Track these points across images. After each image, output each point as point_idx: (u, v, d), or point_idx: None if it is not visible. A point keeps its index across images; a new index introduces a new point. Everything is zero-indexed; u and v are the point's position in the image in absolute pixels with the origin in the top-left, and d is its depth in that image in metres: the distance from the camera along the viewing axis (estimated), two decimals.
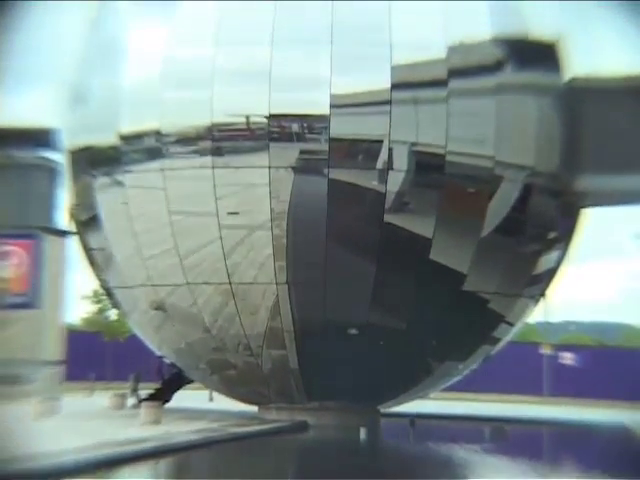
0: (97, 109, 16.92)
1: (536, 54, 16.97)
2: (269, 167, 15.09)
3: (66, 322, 26.51)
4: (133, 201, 16.40)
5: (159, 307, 16.98)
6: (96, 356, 31.51)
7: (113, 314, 33.31)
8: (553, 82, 17.02)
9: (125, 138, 16.22)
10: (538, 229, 17.24)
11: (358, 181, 15.37)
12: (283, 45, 15.06)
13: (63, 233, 22.75)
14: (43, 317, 22.93)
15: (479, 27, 15.85)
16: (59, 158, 20.23)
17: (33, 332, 22.31)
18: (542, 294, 18.95)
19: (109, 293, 19.75)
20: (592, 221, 19.61)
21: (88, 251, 18.62)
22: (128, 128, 16.19)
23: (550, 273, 18.45)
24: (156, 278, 16.67)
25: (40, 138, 21.90)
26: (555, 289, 19.65)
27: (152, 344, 18.96)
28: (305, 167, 15.37)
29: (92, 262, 18.69)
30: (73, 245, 21.00)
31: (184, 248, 16.02)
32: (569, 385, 32.55)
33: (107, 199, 16.98)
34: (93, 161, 17.14)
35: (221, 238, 15.55)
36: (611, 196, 19.03)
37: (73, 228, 20.24)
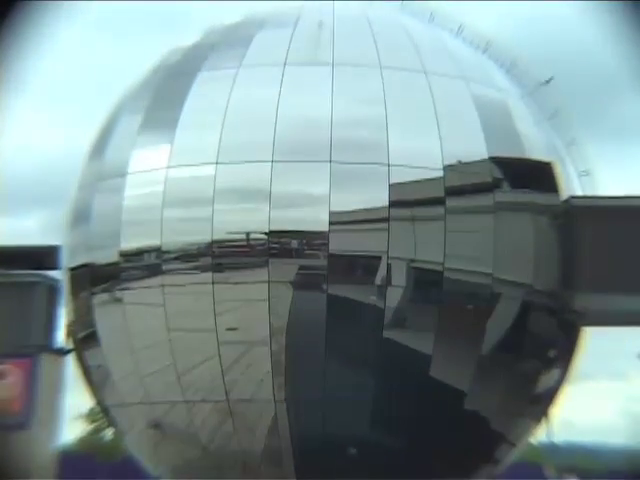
0: (98, 228, 17.10)
1: (532, 174, 17.32)
2: (268, 282, 15.16)
3: (60, 443, 26.06)
4: (132, 318, 16.39)
5: (156, 426, 16.76)
6: (90, 478, 30.88)
7: (109, 434, 32.80)
8: (550, 201, 17.31)
9: (125, 255, 16.35)
10: (538, 347, 17.15)
11: (357, 297, 15.41)
12: (283, 163, 15.35)
13: (60, 351, 22.60)
14: (36, 438, 22.54)
15: (475, 147, 16.18)
16: (58, 276, 20.35)
17: (26, 453, 21.89)
18: (544, 414, 18.73)
19: (105, 412, 19.46)
20: (593, 340, 19.57)
21: (85, 369, 18.50)
22: (128, 245, 16.34)
23: (551, 392, 18.25)
24: (154, 396, 16.46)
25: (40, 257, 22.07)
26: (557, 409, 19.46)
27: (148, 463, 18.60)
28: (304, 282, 15.43)
29: (89, 380, 18.53)
30: (70, 363, 20.88)
31: (182, 365, 15.87)
32: None
33: (106, 316, 16.93)
34: (93, 278, 17.18)
35: (220, 355, 15.49)
36: (612, 316, 19.01)
37: (70, 346, 20.16)
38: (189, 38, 18.25)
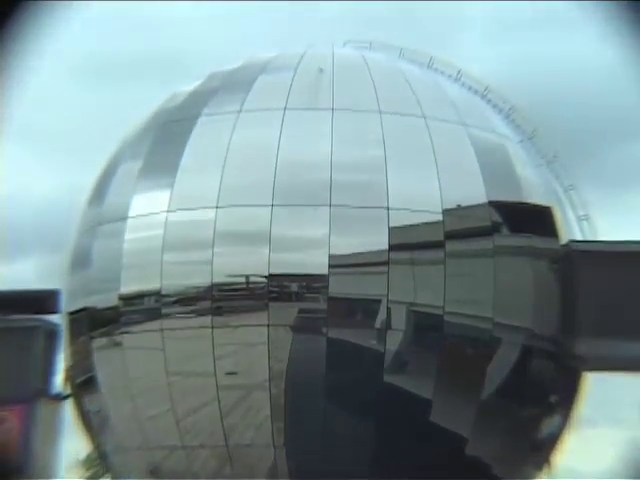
0: (98, 272, 17.11)
1: (532, 218, 17.38)
2: (268, 326, 15.14)
3: None
4: (131, 362, 16.33)
5: (154, 471, 16.60)
6: None
7: None
8: (549, 245, 17.32)
9: (125, 299, 16.34)
10: (539, 393, 17.04)
11: (357, 340, 15.38)
12: (283, 206, 15.41)
13: (58, 396, 22.44)
14: None
15: (474, 191, 16.23)
16: (58, 320, 20.29)
17: None
18: (546, 460, 18.54)
19: (103, 457, 19.31)
20: (595, 386, 19.42)
21: (83, 414, 18.39)
22: (128, 289, 16.33)
23: (553, 438, 18.11)
24: (152, 441, 16.34)
25: (39, 301, 22.01)
26: (559, 455, 19.26)
27: None
28: (304, 326, 15.44)
29: (87, 425, 18.40)
30: (68, 408, 20.73)
31: (181, 409, 15.76)
32: None
33: (105, 360, 16.88)
34: (92, 322, 17.15)
35: (219, 399, 15.38)
36: (613, 362, 18.90)
37: (68, 391, 20.04)
38: (190, 83, 18.41)
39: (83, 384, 18.00)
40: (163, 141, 17.23)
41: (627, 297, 17.09)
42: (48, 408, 22.91)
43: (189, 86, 18.24)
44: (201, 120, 16.80)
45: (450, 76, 19.71)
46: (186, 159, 16.32)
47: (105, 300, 16.78)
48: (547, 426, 17.63)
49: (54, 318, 21.53)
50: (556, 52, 42.10)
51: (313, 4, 42.13)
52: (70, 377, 19.30)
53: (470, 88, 19.63)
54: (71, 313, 18.15)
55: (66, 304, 18.58)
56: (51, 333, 22.32)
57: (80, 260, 17.77)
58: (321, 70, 17.08)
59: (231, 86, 17.54)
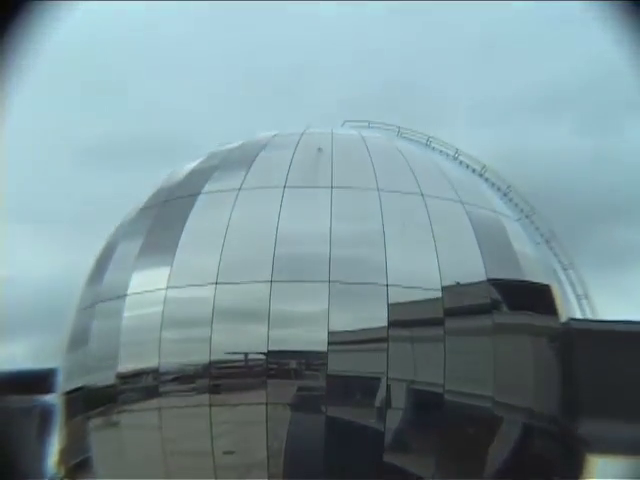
0: (95, 350, 17.00)
1: (531, 295, 17.38)
2: (266, 404, 14.97)
3: None
4: (128, 442, 16.11)
5: None
6: None
7: None
8: (549, 323, 17.28)
9: (122, 377, 16.20)
10: (540, 473, 16.79)
11: (356, 419, 15.20)
12: (282, 282, 15.41)
13: (52, 479, 22.08)
14: None
15: (473, 268, 16.28)
16: (53, 400, 20.09)
17: None
18: None
19: None
20: (597, 468, 19.12)
21: None
22: (126, 367, 16.20)
23: None
24: None
25: (34, 381, 21.82)
26: None
27: None
28: (303, 404, 15.24)
29: None
30: None
31: None
32: None
33: (101, 441, 16.68)
34: (88, 402, 16.96)
35: (216, 479, 15.12)
36: (613, 444, 18.68)
37: (62, 473, 19.71)
38: (190, 162, 18.64)
39: (78, 466, 17.70)
40: (163, 219, 17.35)
41: (628, 377, 17.00)
42: None
43: (189, 165, 18.50)
44: (201, 198, 16.97)
45: (448, 155, 20.06)
46: (186, 236, 16.41)
47: (102, 379, 16.64)
48: None
49: (49, 398, 21.35)
50: (555, 129, 42.85)
51: (310, 87, 42.97)
52: (64, 459, 19.01)
53: (468, 167, 19.97)
54: (67, 393, 17.97)
55: (62, 384, 18.41)
56: (46, 414, 22.09)
57: (78, 339, 17.69)
58: (320, 149, 17.32)
59: (231, 164, 17.77)
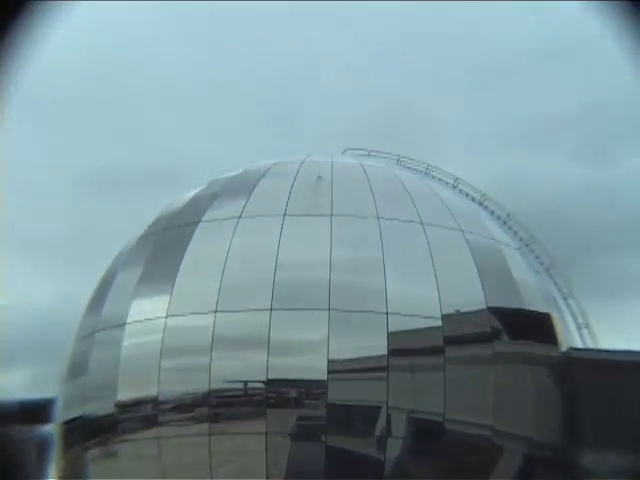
0: (95, 379, 16.92)
1: (531, 324, 17.33)
2: (266, 433, 14.88)
3: None
4: (126, 472, 15.92)
5: None
6: None
7: None
8: (549, 352, 17.23)
9: (121, 406, 16.13)
10: None
11: (356, 448, 15.12)
12: (281, 310, 15.38)
13: None
14: None
15: (473, 296, 16.27)
16: (51, 430, 19.96)
17: None
18: None
19: None
20: None
21: None
22: (125, 396, 16.13)
23: None
24: None
25: (33, 411, 21.70)
26: None
27: None
28: (302, 433, 15.17)
29: None
30: None
31: None
32: None
33: (100, 471, 16.56)
34: (87, 431, 16.86)
35: None
36: (616, 474, 18.57)
37: None
38: (190, 190, 18.69)
39: None
40: (163, 247, 17.36)
41: (629, 407, 16.93)
42: None
43: (190, 192, 18.55)
44: (201, 226, 16.99)
45: (447, 183, 20.09)
46: (185, 264, 16.40)
47: (101, 408, 16.56)
48: None
49: (48, 428, 21.21)
50: (553, 160, 43.08)
51: (308, 116, 43.19)
52: None
53: (467, 195, 19.99)
54: (65, 423, 17.85)
55: (61, 413, 18.29)
56: (44, 444, 21.92)
57: (77, 368, 17.62)
58: (320, 177, 17.37)
59: (231, 192, 17.80)
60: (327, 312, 15.27)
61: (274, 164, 18.52)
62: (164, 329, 15.90)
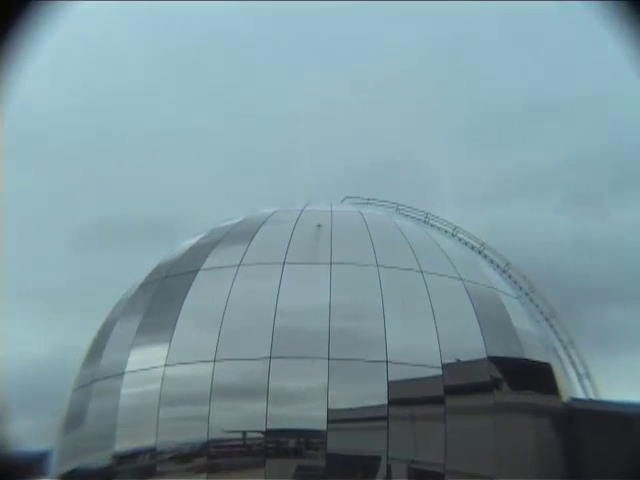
0: (92, 430, 16.74)
1: (532, 374, 17.23)
2: None
3: None
4: None
5: None
6: None
7: None
8: (550, 403, 17.13)
9: (119, 457, 15.93)
10: None
11: None
12: (280, 358, 15.30)
13: None
14: None
15: (473, 345, 16.21)
16: None
17: None
18: None
19: None
20: None
21: None
22: (123, 447, 15.94)
23: None
24: None
25: (26, 465, 21.39)
26: None
27: None
28: None
29: None
30: None
31: None
32: None
33: None
34: None
35: None
36: None
37: None
38: (191, 238, 18.71)
39: None
40: (162, 295, 17.32)
41: (631, 458, 16.76)
42: None
43: (190, 240, 18.57)
44: (201, 274, 16.99)
45: (446, 232, 20.14)
46: (184, 313, 16.36)
47: (97, 460, 16.34)
48: None
49: None
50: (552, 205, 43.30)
51: (305, 164, 43.49)
52: None
53: (466, 244, 20.03)
54: (61, 476, 17.59)
55: (56, 466, 18.03)
56: None
57: (74, 419, 17.44)
58: (319, 226, 17.41)
59: (231, 240, 17.83)
60: (326, 361, 15.20)
61: (274, 212, 18.59)
62: (162, 378, 15.79)
